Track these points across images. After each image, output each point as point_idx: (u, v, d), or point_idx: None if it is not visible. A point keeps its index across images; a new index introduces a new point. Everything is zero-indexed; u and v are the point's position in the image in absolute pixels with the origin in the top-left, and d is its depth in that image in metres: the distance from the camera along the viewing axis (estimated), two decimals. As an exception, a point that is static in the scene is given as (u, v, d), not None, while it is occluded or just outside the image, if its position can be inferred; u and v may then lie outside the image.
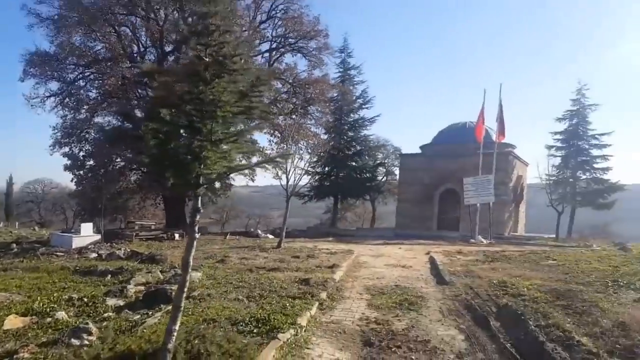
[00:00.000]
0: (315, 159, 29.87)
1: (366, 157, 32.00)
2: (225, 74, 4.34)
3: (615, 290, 7.57)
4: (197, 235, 4.64)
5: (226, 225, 47.20)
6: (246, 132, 4.61)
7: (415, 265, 12.07)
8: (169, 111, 4.45)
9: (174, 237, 19.28)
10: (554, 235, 25.15)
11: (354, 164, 31.01)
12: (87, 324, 5.74)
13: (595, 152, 27.25)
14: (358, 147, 31.57)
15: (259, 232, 22.90)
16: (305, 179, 30.55)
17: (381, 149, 34.36)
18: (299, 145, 22.80)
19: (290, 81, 22.70)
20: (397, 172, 32.18)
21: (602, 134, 27.01)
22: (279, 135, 21.32)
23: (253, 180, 25.18)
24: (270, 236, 22.56)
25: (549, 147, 28.52)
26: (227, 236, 21.90)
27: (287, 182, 15.49)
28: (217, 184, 4.92)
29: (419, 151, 30.14)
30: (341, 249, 15.53)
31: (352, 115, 32.01)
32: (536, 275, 9.49)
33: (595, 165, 27.02)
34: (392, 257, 13.87)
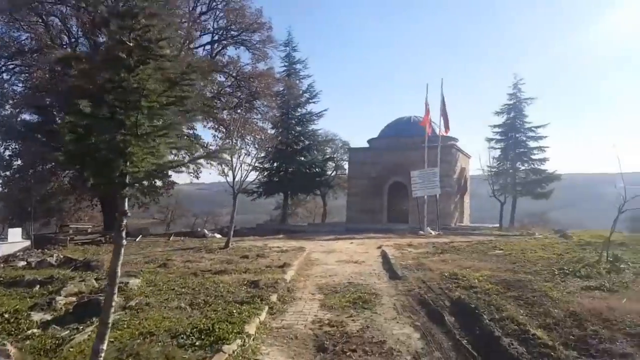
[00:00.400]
0: (262, 155, 29.23)
1: (315, 152, 31.68)
2: (150, 59, 3.79)
3: (562, 278, 7.72)
4: (124, 242, 4.09)
5: (171, 225, 45.34)
6: (177, 124, 4.08)
7: (367, 260, 11.92)
8: (88, 102, 3.84)
9: (113, 240, 18.02)
10: (497, 225, 26.15)
11: (302, 158, 30.60)
12: (4, 344, 4.99)
13: (532, 143, 28.62)
14: (306, 142, 31.17)
15: (206, 231, 22.01)
16: (253, 175, 29.88)
17: (330, 144, 34.28)
18: (246, 140, 22.14)
19: (234, 74, 21.94)
20: (346, 166, 32.22)
21: (538, 127, 28.40)
22: (224, 130, 20.52)
23: (198, 178, 24.22)
24: (218, 236, 21.74)
25: (489, 140, 29.65)
26: (171, 237, 20.88)
27: (234, 178, 14.86)
28: (147, 183, 4.36)
29: (367, 145, 30.32)
30: (292, 247, 15.14)
31: (299, 109, 31.60)
32: (485, 266, 9.58)
33: (533, 157, 28.39)
34: (344, 253, 13.66)
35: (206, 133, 28.19)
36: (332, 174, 35.43)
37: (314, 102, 31.76)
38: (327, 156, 33.60)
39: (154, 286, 8.58)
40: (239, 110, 22.85)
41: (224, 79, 22.00)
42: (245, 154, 22.73)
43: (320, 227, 27.80)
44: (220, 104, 21.03)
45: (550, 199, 28.72)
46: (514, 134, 28.86)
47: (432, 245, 14.46)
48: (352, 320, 6.36)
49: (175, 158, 4.77)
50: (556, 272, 8.18)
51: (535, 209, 40.20)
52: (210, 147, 22.56)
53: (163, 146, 3.88)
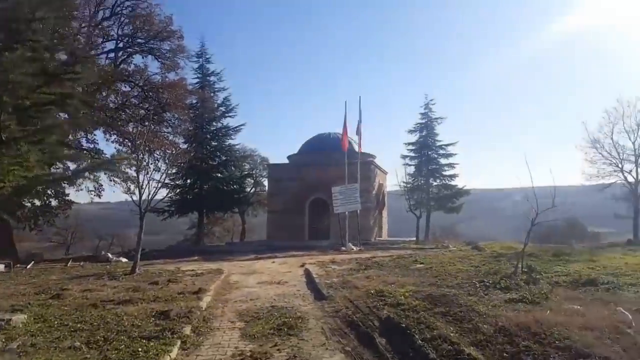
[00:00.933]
0: (174, 171, 27.51)
1: (232, 168, 30.44)
2: (19, 43, 3.00)
3: (485, 291, 7.82)
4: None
5: (71, 248, 41.11)
6: (54, 128, 3.28)
7: (290, 281, 11.36)
8: None
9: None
10: (414, 238, 27.09)
11: (219, 175, 29.20)
12: None
13: (443, 160, 30.29)
14: (223, 157, 29.82)
15: (109, 255, 19.92)
16: (164, 193, 28.01)
17: (248, 159, 33.30)
18: (154, 155, 20.63)
19: (141, 84, 20.44)
20: (266, 182, 31.51)
21: (448, 144, 30.20)
22: (130, 144, 18.91)
23: (99, 196, 22.08)
24: (124, 260, 19.81)
25: (404, 157, 30.91)
26: (69, 263, 18.57)
27: (140, 196, 13.53)
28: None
29: (287, 161, 29.99)
30: (208, 269, 14.09)
31: (214, 123, 30.21)
32: (409, 281, 9.51)
33: (444, 173, 30.00)
34: (265, 273, 12.97)
35: (109, 147, 25.66)
36: (251, 191, 34.46)
37: (230, 116, 30.65)
38: (246, 172, 32.53)
39: (43, 322, 7.25)
40: (146, 123, 21.41)
41: (129, 89, 20.38)
42: (154, 170, 21.27)
43: (239, 246, 26.66)
44: (125, 115, 19.39)
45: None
46: (426, 152, 30.37)
47: (355, 262, 14.30)
48: (278, 349, 5.75)
49: (57, 171, 3.88)
50: (478, 285, 8.29)
51: (445, 223, 42.61)
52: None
53: (34, 155, 3.06)
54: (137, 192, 13.80)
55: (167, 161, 21.36)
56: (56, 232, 46.64)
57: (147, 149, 19.06)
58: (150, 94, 20.70)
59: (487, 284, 8.30)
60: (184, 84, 22.03)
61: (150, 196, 13.61)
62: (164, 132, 22.65)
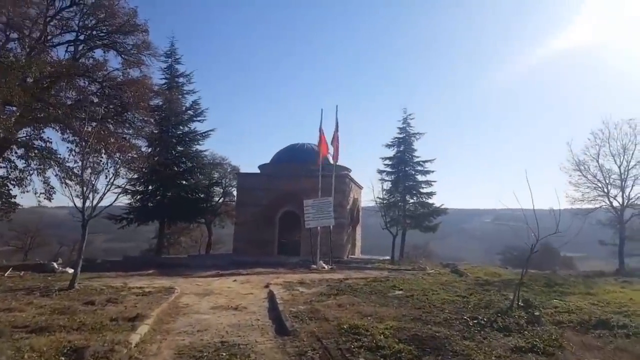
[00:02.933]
0: (135, 176, 25.47)
1: (199, 176, 28.45)
2: None
3: (481, 332, 6.50)
4: None
5: (30, 254, 38.53)
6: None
7: (250, 306, 9.79)
8: None
9: None
10: (388, 257, 25.84)
11: (184, 182, 27.10)
12: None
13: (420, 177, 29.28)
14: (189, 164, 27.75)
15: (55, 265, 17.80)
16: (121, 199, 25.90)
17: (217, 168, 31.42)
18: (103, 156, 18.73)
19: (100, 80, 18.58)
20: (235, 193, 29.76)
21: (426, 161, 29.22)
22: (84, 144, 17.01)
23: (50, 200, 19.95)
24: (71, 270, 17.76)
25: (381, 172, 29.77)
26: (8, 272, 16.41)
27: (84, 202, 11.76)
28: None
29: (258, 171, 28.45)
30: (160, 287, 12.36)
31: (181, 127, 28.20)
32: (389, 313, 8.12)
33: (421, 190, 28.97)
34: (223, 295, 11.35)
35: (62, 147, 23.03)
36: (220, 201, 32.58)
37: (199, 121, 28.71)
38: (214, 181, 30.58)
39: None
40: (107, 122, 19.56)
41: (86, 84, 18.47)
42: (114, 175, 19.49)
43: (203, 259, 24.70)
44: (84, 114, 17.52)
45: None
46: (403, 167, 29.32)
47: (326, 283, 12.87)
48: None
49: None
50: (470, 323, 6.97)
51: (418, 241, 41.63)
52: (67, 164, 18.74)
53: None
54: (81, 197, 12.03)
55: (118, 165, 19.56)
56: (15, 236, 44.07)
57: (102, 150, 17.29)
58: (110, 91, 18.83)
59: (482, 321, 6.99)
60: (148, 83, 20.15)
61: (94, 202, 11.85)
62: (125, 133, 20.75)
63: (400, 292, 10.81)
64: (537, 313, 7.34)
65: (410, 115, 29.75)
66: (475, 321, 7.02)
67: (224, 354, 6.06)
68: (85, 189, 12.01)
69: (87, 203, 11.98)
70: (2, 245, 45.46)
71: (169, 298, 10.39)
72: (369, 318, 7.70)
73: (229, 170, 32.29)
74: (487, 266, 20.53)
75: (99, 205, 12.25)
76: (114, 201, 12.73)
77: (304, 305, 9.29)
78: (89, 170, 12.95)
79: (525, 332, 6.44)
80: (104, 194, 11.90)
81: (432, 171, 29.09)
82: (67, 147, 18.44)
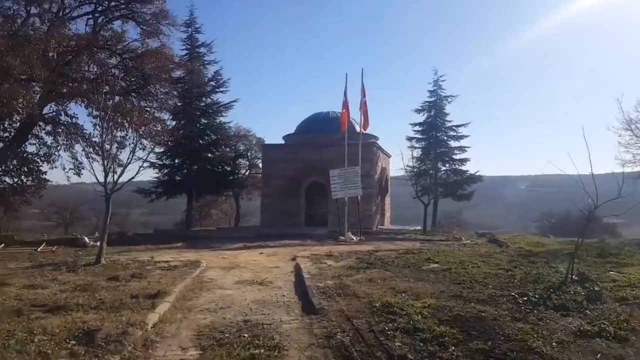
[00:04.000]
0: (161, 149, 25.26)
1: (224, 148, 28.07)
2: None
3: (534, 312, 5.74)
4: None
5: (71, 228, 40.17)
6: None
7: (276, 280, 9.33)
8: None
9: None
10: (419, 227, 25.08)
11: (209, 155, 26.82)
12: None
13: (453, 143, 27.99)
14: (213, 136, 27.38)
15: (86, 239, 17.89)
16: (151, 173, 25.86)
17: (242, 140, 30.92)
18: (139, 132, 18.54)
19: (119, 52, 18.10)
20: (261, 165, 29.33)
21: (459, 126, 27.84)
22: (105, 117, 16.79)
23: (79, 175, 20.06)
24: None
25: (410, 139, 28.59)
26: (41, 247, 16.61)
27: (106, 176, 11.45)
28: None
29: (282, 142, 27.85)
30: (186, 260, 12.09)
31: (204, 99, 27.45)
32: (425, 289, 7.46)
33: (454, 157, 27.73)
34: (249, 268, 10.94)
35: (88, 123, 22.85)
36: (246, 173, 32.27)
37: (221, 92, 27.92)
38: (239, 152, 30.13)
39: None
40: (131, 96, 19.23)
41: (106, 57, 18.03)
42: (140, 149, 19.31)
43: (231, 232, 24.57)
44: (105, 87, 17.23)
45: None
46: (434, 133, 28.05)
47: (355, 256, 12.29)
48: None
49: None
50: (520, 300, 6.21)
51: (449, 209, 40.37)
52: (94, 139, 18.64)
53: None
54: (104, 170, 11.75)
55: (141, 137, 19.31)
56: (55, 211, 46.07)
57: (126, 124, 17.03)
58: (131, 62, 18.35)
59: (533, 299, 6.22)
60: (169, 54, 19.54)
61: (114, 178, 11.55)
62: (148, 106, 20.42)
63: (436, 265, 10.10)
64: (596, 288, 6.49)
65: (441, 77, 28.28)
66: (525, 298, 6.25)
67: (246, 335, 5.56)
68: (107, 162, 11.70)
69: (110, 177, 11.69)
70: (44, 220, 47.51)
71: (193, 272, 10.04)
72: (403, 295, 7.06)
73: (254, 142, 31.78)
74: (526, 235, 19.43)
75: (127, 179, 12.02)
76: (136, 175, 12.39)
77: (332, 280, 8.74)
78: (113, 145, 12.71)
79: (587, 311, 5.65)
80: (125, 167, 11.56)
81: (466, 136, 27.77)
82: (92, 122, 18.29)
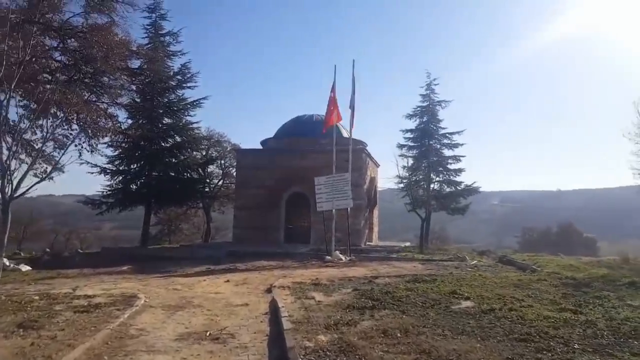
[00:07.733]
0: (115, 153, 21.73)
1: (190, 152, 24.21)
2: None
3: None
4: None
5: (25, 244, 35.93)
6: None
7: (241, 332, 6.20)
8: None
9: None
10: (407, 243, 22.26)
11: (173, 160, 22.90)
12: None
13: (447, 152, 25.39)
14: (178, 138, 23.18)
15: (6, 262, 14.14)
16: (102, 180, 22.24)
17: (215, 145, 27.45)
18: (86, 128, 15.27)
19: (55, 26, 14.68)
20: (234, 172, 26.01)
21: (453, 133, 25.27)
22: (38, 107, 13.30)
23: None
24: (26, 268, 14.49)
25: (401, 146, 25.86)
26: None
27: (3, 181, 8.16)
28: None
29: (260, 147, 24.82)
30: (119, 294, 8.83)
31: (167, 95, 23.31)
32: (478, 354, 4.49)
33: (449, 167, 25.09)
34: (204, 308, 7.75)
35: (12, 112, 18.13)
36: (219, 183, 28.88)
37: (189, 87, 23.83)
38: (211, 157, 26.41)
39: None
40: (76, 86, 15.84)
41: (40, 35, 14.56)
42: (90, 151, 16.12)
43: (196, 250, 21.03)
44: (38, 69, 13.92)
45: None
46: (427, 141, 25.38)
47: (350, 286, 9.26)
48: None
49: None
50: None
51: (432, 224, 37.90)
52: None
53: None
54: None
55: (99, 139, 15.94)
56: (11, 226, 41.74)
57: (62, 116, 13.84)
58: (69, 40, 15.01)
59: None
60: (125, 39, 16.21)
61: (11, 184, 8.29)
62: (100, 101, 17.05)
63: (469, 303, 7.12)
64: None
65: (434, 80, 25.75)
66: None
67: None
68: (4, 165, 8.44)
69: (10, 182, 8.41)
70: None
71: (118, 318, 6.81)
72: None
73: (228, 148, 28.43)
74: (543, 254, 16.83)
75: (31, 185, 8.74)
76: (43, 179, 9.08)
77: (326, 334, 5.66)
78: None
79: None
80: (30, 168, 8.31)
81: (461, 144, 25.15)
82: (16, 112, 14.77)
